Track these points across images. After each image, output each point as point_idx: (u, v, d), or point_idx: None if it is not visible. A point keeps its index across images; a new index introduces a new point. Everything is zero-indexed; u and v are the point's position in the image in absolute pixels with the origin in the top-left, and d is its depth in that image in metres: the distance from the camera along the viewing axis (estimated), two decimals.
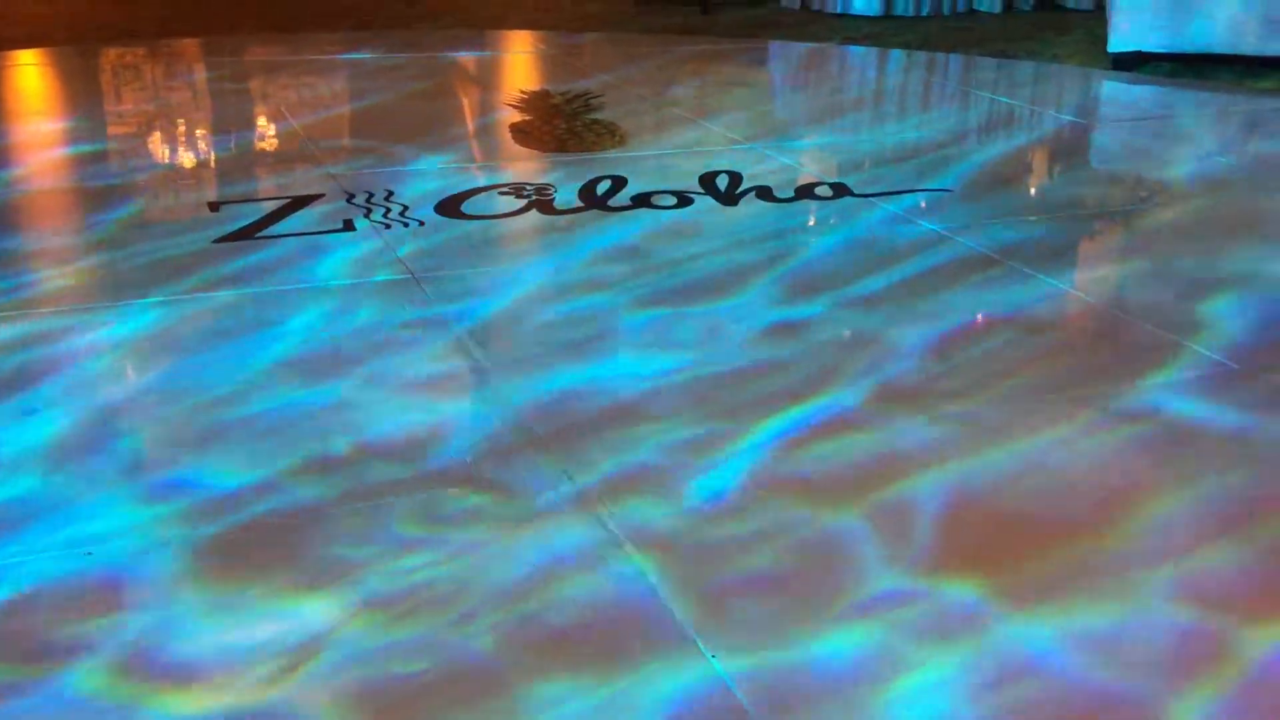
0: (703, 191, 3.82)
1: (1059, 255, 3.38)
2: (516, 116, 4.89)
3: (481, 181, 3.93)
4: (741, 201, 3.73)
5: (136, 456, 2.17)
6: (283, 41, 6.76)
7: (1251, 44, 5.77)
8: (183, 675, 1.58)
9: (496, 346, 2.65)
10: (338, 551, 1.86)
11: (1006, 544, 1.92)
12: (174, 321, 2.73)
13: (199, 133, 4.74)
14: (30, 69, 5.87)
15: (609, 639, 1.66)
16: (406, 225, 3.42)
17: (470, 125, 5.09)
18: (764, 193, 3.81)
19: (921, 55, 6.65)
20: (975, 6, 8.28)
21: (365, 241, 3.28)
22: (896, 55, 6.69)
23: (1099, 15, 6.96)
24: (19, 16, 7.20)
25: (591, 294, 2.95)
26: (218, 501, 1.99)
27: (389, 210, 3.54)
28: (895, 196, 3.82)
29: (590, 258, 3.22)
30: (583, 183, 3.86)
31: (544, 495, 2.02)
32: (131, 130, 4.70)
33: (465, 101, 5.69)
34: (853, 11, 7.91)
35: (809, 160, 4.43)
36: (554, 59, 6.54)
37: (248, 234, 3.32)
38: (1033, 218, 3.71)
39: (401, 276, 3.02)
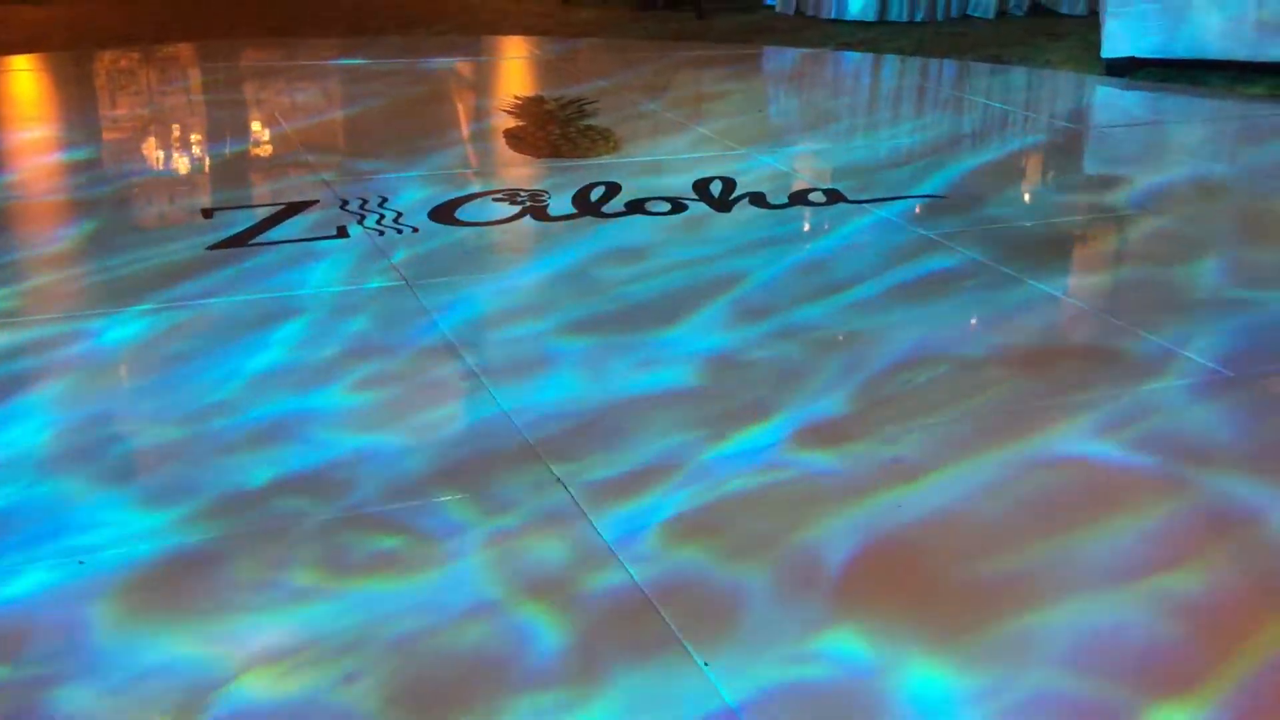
0: (696, 198, 3.82)
1: (1051, 261, 3.39)
2: (511, 122, 4.89)
3: (476, 188, 3.93)
4: (735, 208, 3.74)
5: (122, 464, 2.17)
6: (278, 46, 6.77)
7: (1243, 50, 5.79)
8: None
9: (487, 354, 2.65)
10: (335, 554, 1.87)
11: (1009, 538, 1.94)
12: (165, 329, 2.73)
13: (193, 138, 4.74)
14: (25, 74, 5.87)
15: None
16: (400, 232, 3.42)
17: (464, 131, 5.09)
18: (757, 199, 3.82)
19: (915, 61, 6.67)
20: (969, 12, 8.30)
21: (359, 248, 3.29)
22: (890, 60, 6.70)
23: (1092, 21, 6.97)
24: (15, 22, 7.20)
25: (583, 300, 2.96)
26: (210, 505, 2.00)
27: (383, 217, 3.54)
28: (889, 203, 3.83)
29: (584, 264, 3.23)
30: (577, 189, 3.87)
31: (529, 504, 2.03)
32: (125, 136, 4.70)
33: (460, 107, 5.69)
34: (847, 17, 7.93)
35: (803, 166, 4.44)
36: (548, 64, 6.55)
37: (241, 241, 3.33)
38: (1025, 223, 3.71)
39: (395, 283, 3.02)
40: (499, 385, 2.45)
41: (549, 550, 1.90)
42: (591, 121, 4.90)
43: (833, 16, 7.98)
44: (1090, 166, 4.75)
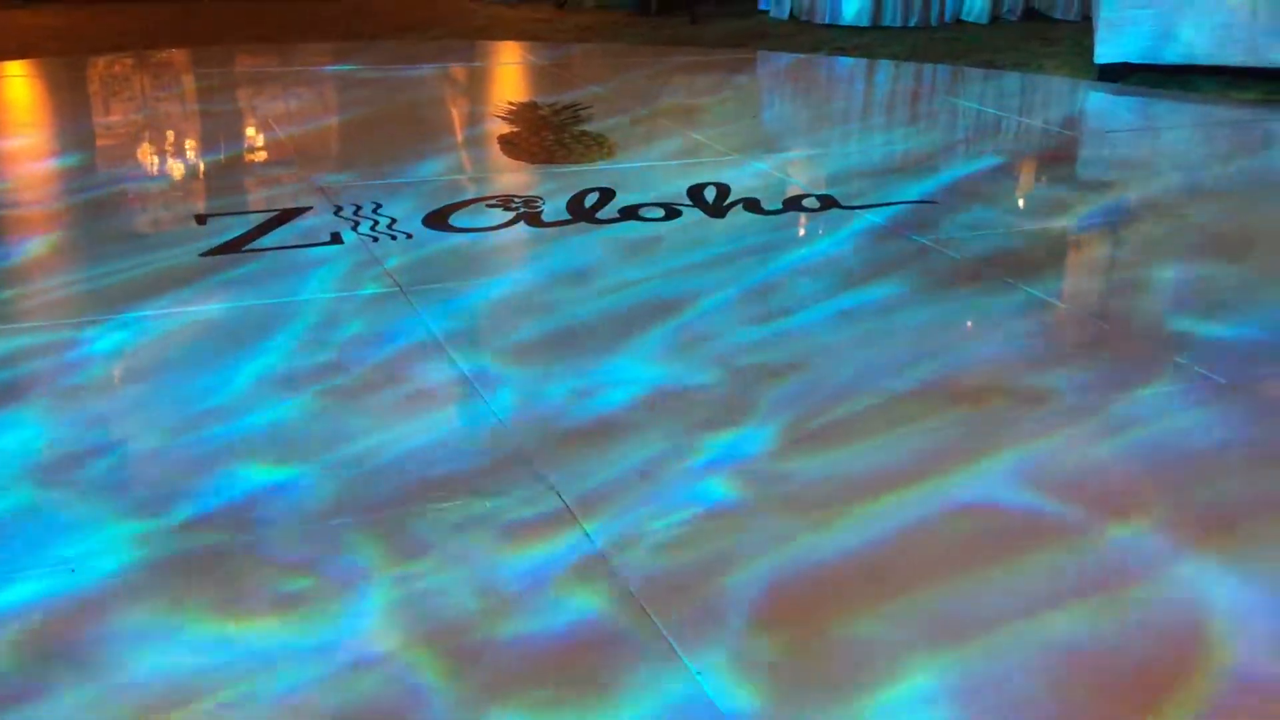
0: (690, 204, 3.82)
1: (1044, 266, 3.40)
2: (505, 128, 4.89)
3: (470, 194, 3.93)
4: (729, 214, 3.74)
5: (116, 473, 2.16)
6: (272, 52, 6.76)
7: (1236, 55, 5.81)
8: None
9: (482, 359, 2.65)
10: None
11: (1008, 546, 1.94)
12: (159, 336, 2.73)
13: (187, 145, 4.74)
14: (18, 80, 5.86)
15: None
16: (394, 238, 3.42)
17: (459, 137, 5.09)
18: (751, 205, 3.82)
19: (909, 66, 6.68)
20: (963, 17, 8.31)
21: (353, 254, 3.28)
22: (884, 66, 6.71)
23: (1085, 26, 6.99)
24: (10, 27, 7.19)
25: (576, 307, 2.96)
26: (203, 516, 1.99)
27: (377, 223, 3.54)
28: (882, 208, 3.83)
29: (577, 271, 3.23)
30: (571, 195, 3.87)
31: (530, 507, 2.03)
32: (119, 142, 4.69)
33: (454, 113, 5.69)
34: (841, 22, 7.94)
35: (797, 171, 4.45)
36: (543, 70, 6.55)
37: (235, 247, 3.32)
38: (1019, 229, 3.72)
39: (389, 289, 3.02)
40: (492, 391, 2.45)
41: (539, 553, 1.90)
42: (586, 127, 4.90)
43: (827, 21, 7.99)
44: (1082, 172, 4.76)
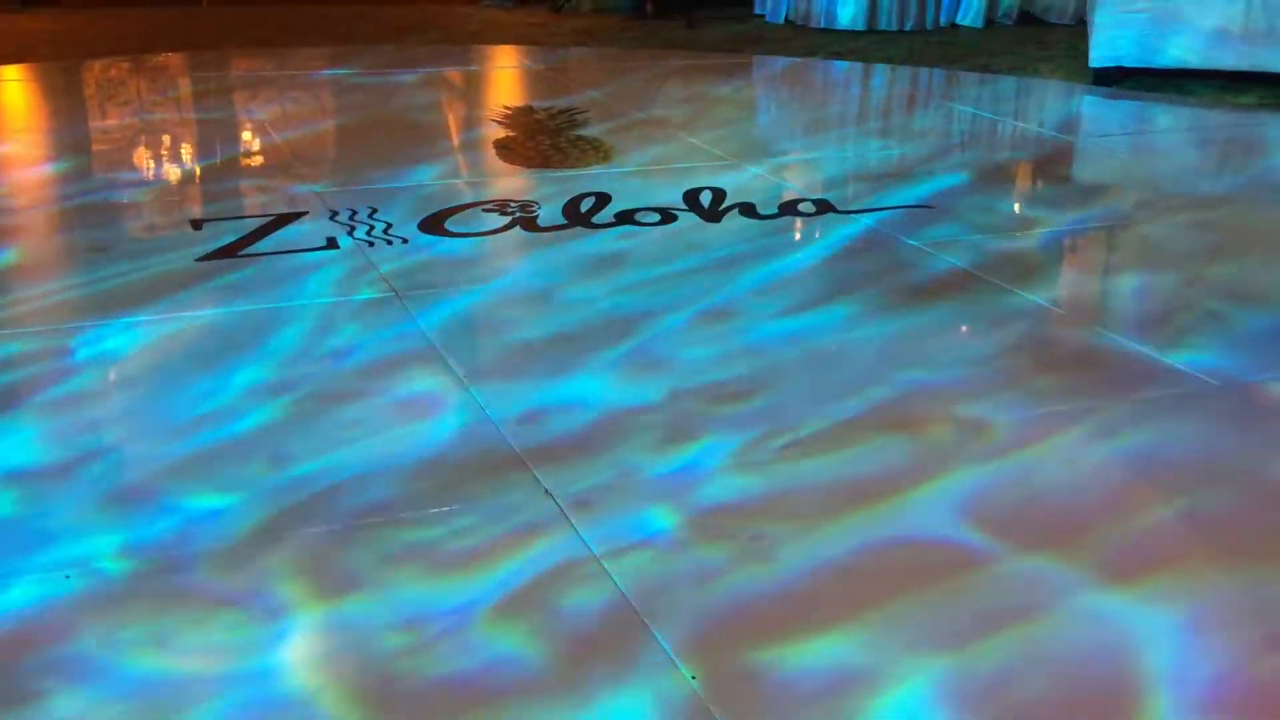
0: (686, 208, 3.83)
1: (1038, 271, 3.41)
2: (501, 132, 4.90)
3: (466, 198, 3.93)
4: (724, 218, 3.75)
5: (109, 481, 2.16)
6: (268, 56, 6.77)
7: (1231, 59, 5.82)
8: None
9: (476, 365, 2.65)
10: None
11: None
12: (154, 341, 2.73)
13: (182, 149, 4.74)
14: (14, 84, 5.86)
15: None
16: (390, 243, 3.42)
17: (455, 141, 5.10)
18: (747, 209, 3.83)
19: (905, 70, 6.69)
20: (958, 21, 8.33)
21: (348, 259, 3.29)
22: (880, 70, 6.72)
23: (1080, 30, 7.01)
24: (6, 32, 7.19)
25: (571, 312, 2.96)
26: (198, 523, 1.99)
27: (372, 228, 3.54)
28: (878, 212, 3.84)
29: (573, 276, 3.23)
30: (567, 200, 3.87)
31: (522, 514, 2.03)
32: (114, 146, 4.69)
33: (450, 117, 5.70)
34: (836, 26, 7.95)
35: (793, 175, 4.45)
36: (538, 74, 6.55)
37: (230, 252, 3.32)
38: (1014, 233, 3.73)
39: (384, 294, 3.02)
40: (486, 395, 2.45)
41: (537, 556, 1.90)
42: (582, 132, 4.90)
43: (822, 26, 8.01)
44: (1078, 176, 4.77)
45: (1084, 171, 4.84)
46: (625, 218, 3.71)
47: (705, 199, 3.92)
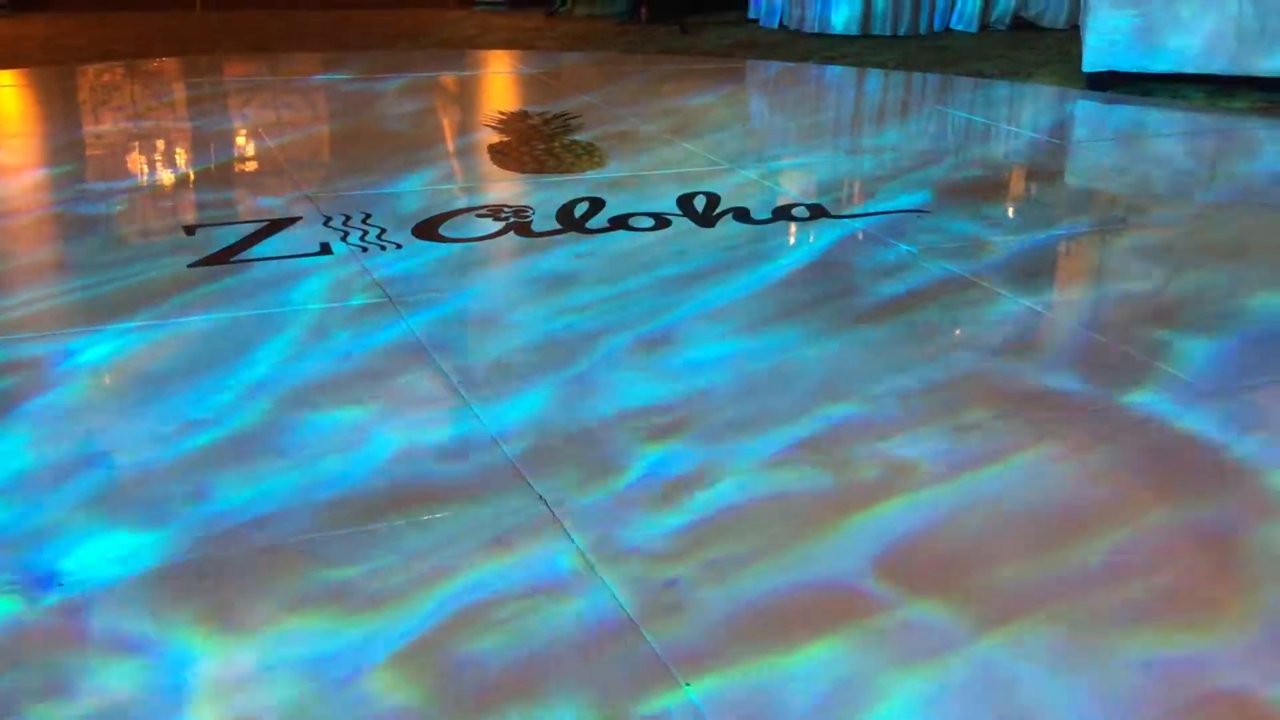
0: (680, 213, 3.82)
1: (1031, 275, 3.41)
2: (495, 137, 4.89)
3: (460, 204, 3.92)
4: (719, 223, 3.74)
5: (105, 486, 2.15)
6: (261, 61, 6.76)
7: (1223, 64, 5.84)
8: None
9: (471, 371, 2.64)
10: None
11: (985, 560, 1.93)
12: (147, 347, 2.72)
13: (176, 155, 4.72)
14: (7, 90, 5.84)
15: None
16: (384, 248, 3.41)
17: (449, 146, 5.09)
18: (741, 214, 3.83)
19: (899, 75, 6.70)
20: (951, 26, 8.34)
21: (342, 265, 3.28)
22: (874, 75, 6.73)
23: (1073, 34, 7.02)
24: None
25: (566, 318, 2.95)
26: (198, 527, 1.98)
27: (366, 233, 3.53)
28: (871, 218, 3.84)
29: (566, 281, 3.23)
30: (561, 205, 3.87)
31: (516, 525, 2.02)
32: (107, 152, 4.68)
33: (444, 122, 5.69)
34: (830, 31, 7.96)
35: (787, 180, 4.45)
36: (533, 79, 6.55)
37: (223, 258, 3.31)
38: (1008, 238, 3.73)
39: (378, 300, 3.01)
40: (480, 401, 2.45)
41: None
42: (576, 136, 4.90)
43: (816, 31, 8.01)
44: (1072, 181, 4.78)
45: (1075, 178, 4.85)
46: (619, 223, 3.71)
47: (699, 204, 3.92)
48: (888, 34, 8.00)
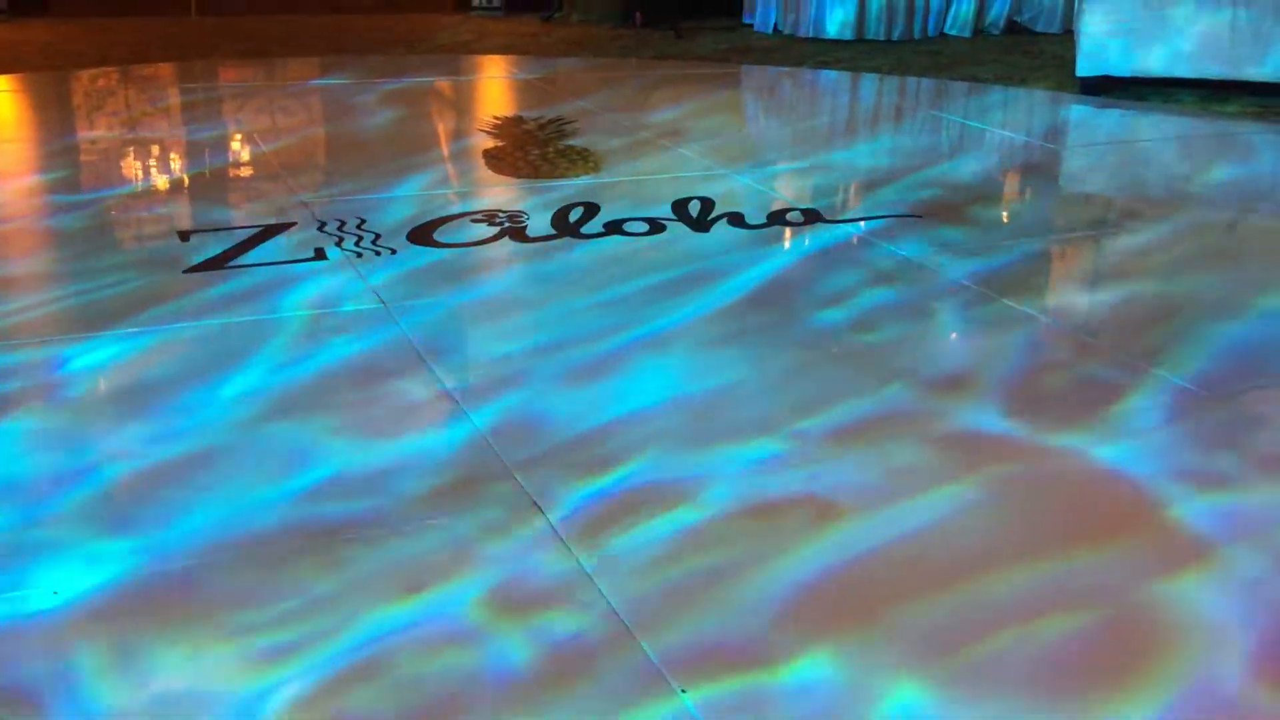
0: (675, 218, 3.83)
1: (1026, 281, 3.42)
2: (490, 143, 4.90)
3: (455, 209, 3.93)
4: (713, 228, 3.75)
5: (97, 495, 2.16)
6: (257, 67, 6.77)
7: (1217, 68, 5.86)
8: None
9: (466, 376, 2.65)
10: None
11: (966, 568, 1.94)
12: (141, 353, 2.72)
13: (171, 160, 4.73)
14: (4, 95, 5.85)
15: None
16: (379, 254, 3.42)
17: (444, 152, 5.10)
18: (736, 219, 3.83)
19: (893, 80, 6.71)
20: (946, 30, 8.36)
21: (337, 270, 3.28)
22: (868, 79, 6.74)
23: (1067, 39, 7.04)
24: None
25: (560, 324, 2.96)
26: (184, 534, 1.99)
27: (361, 238, 3.54)
28: (866, 222, 3.85)
29: (562, 286, 3.24)
30: (555, 210, 3.88)
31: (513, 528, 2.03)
32: (102, 158, 4.69)
33: (439, 127, 5.70)
34: (825, 36, 7.98)
35: (781, 185, 4.46)
36: (527, 84, 6.56)
37: (218, 264, 3.32)
38: (1003, 242, 3.74)
39: (373, 306, 3.02)
40: (475, 407, 2.45)
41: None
42: (571, 142, 4.91)
43: (810, 35, 8.03)
44: (1066, 185, 4.79)
45: (1069, 182, 4.86)
46: (614, 228, 3.71)
47: (694, 209, 3.93)
48: (882, 39, 8.01)
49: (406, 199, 4.00)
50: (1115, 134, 5.65)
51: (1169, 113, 5.81)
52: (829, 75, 6.86)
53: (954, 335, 3.02)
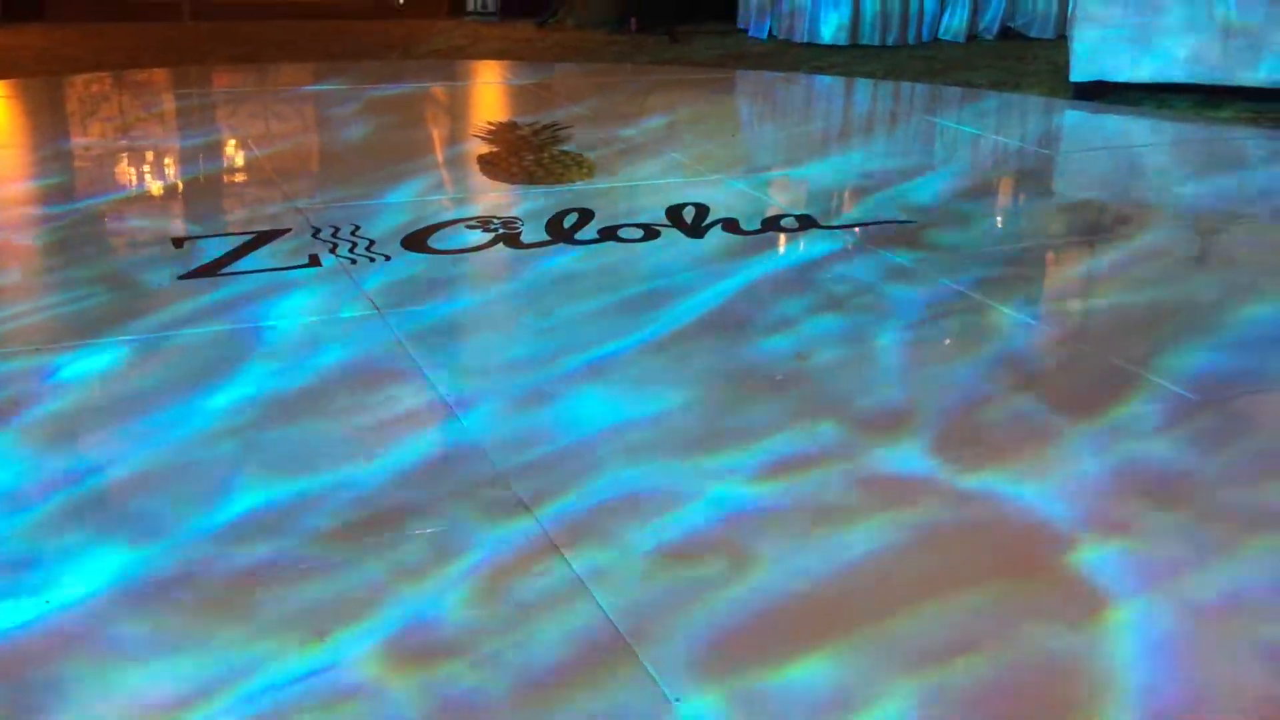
0: (669, 224, 3.83)
1: (1021, 287, 3.42)
2: (484, 148, 4.90)
3: (449, 215, 3.93)
4: (707, 234, 3.75)
5: (92, 500, 2.15)
6: (251, 72, 6.76)
7: (1210, 74, 5.88)
8: None
9: (460, 381, 2.65)
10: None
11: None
12: (134, 361, 2.72)
13: (165, 166, 4.72)
14: None
15: None
16: (373, 260, 3.42)
17: (438, 157, 5.10)
18: (730, 225, 3.84)
19: (888, 85, 6.72)
20: (940, 35, 8.37)
21: (331, 277, 3.28)
22: (863, 85, 6.75)
23: (1061, 44, 7.06)
24: None
25: (557, 331, 2.96)
26: (180, 541, 1.99)
27: (355, 245, 3.54)
28: (860, 228, 3.85)
29: (556, 292, 3.23)
30: (550, 216, 3.87)
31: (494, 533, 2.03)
32: (96, 164, 4.68)
33: (433, 133, 5.70)
34: (819, 41, 7.99)
35: (776, 191, 4.47)
36: (522, 89, 6.56)
37: (212, 270, 3.31)
38: (997, 248, 3.74)
39: (368, 312, 3.02)
40: (471, 415, 2.45)
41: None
42: (565, 147, 4.91)
43: (805, 41, 8.05)
44: (1060, 191, 4.80)
45: (1065, 187, 4.87)
46: (608, 234, 3.71)
47: (688, 214, 3.93)
48: (876, 44, 8.03)
49: (401, 205, 4.00)
50: (1110, 139, 5.66)
51: (1163, 118, 5.82)
52: (824, 81, 6.87)
53: (947, 341, 3.02)
